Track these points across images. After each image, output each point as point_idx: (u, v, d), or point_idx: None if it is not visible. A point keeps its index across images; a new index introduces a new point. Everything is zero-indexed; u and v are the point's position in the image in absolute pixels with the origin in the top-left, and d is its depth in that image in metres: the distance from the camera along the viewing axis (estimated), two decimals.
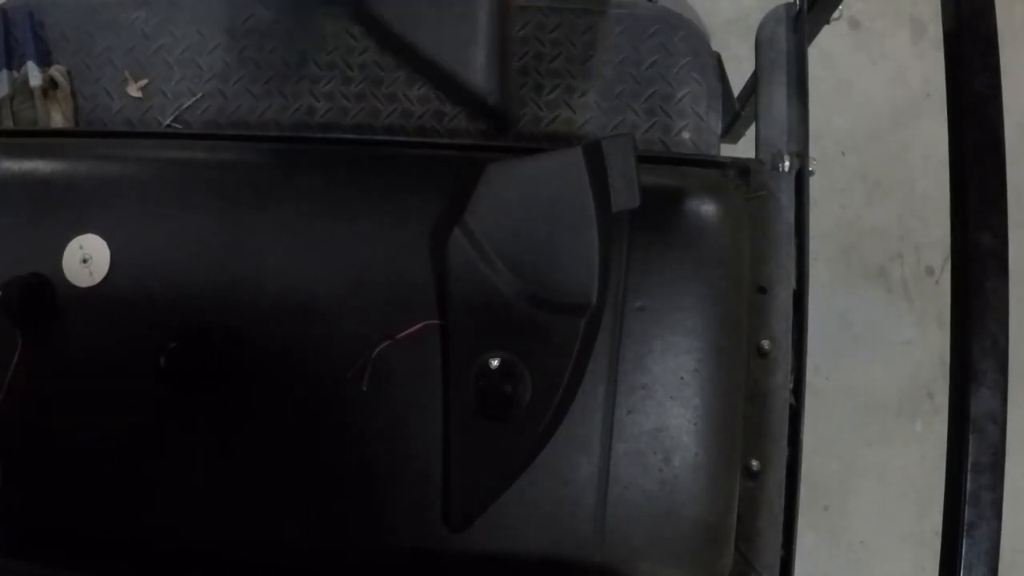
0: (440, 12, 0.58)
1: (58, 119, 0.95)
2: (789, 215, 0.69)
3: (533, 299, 0.59)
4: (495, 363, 0.59)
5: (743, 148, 1.06)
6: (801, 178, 0.70)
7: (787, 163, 0.71)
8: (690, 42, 0.89)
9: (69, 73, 0.98)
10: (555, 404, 0.60)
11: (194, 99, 0.97)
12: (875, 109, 1.56)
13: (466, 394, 0.60)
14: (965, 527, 0.53)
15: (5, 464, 0.64)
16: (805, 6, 0.79)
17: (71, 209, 0.67)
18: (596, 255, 0.58)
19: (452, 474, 0.61)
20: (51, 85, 0.95)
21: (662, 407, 0.63)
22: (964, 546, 0.53)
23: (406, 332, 0.63)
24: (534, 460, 0.61)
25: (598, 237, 0.58)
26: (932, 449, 1.45)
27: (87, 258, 0.65)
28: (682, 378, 0.63)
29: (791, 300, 0.68)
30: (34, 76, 0.94)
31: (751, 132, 0.87)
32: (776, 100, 0.77)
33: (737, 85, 0.99)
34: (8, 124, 0.94)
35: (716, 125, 0.92)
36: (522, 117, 0.93)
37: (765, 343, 0.67)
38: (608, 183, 0.59)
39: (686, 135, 0.90)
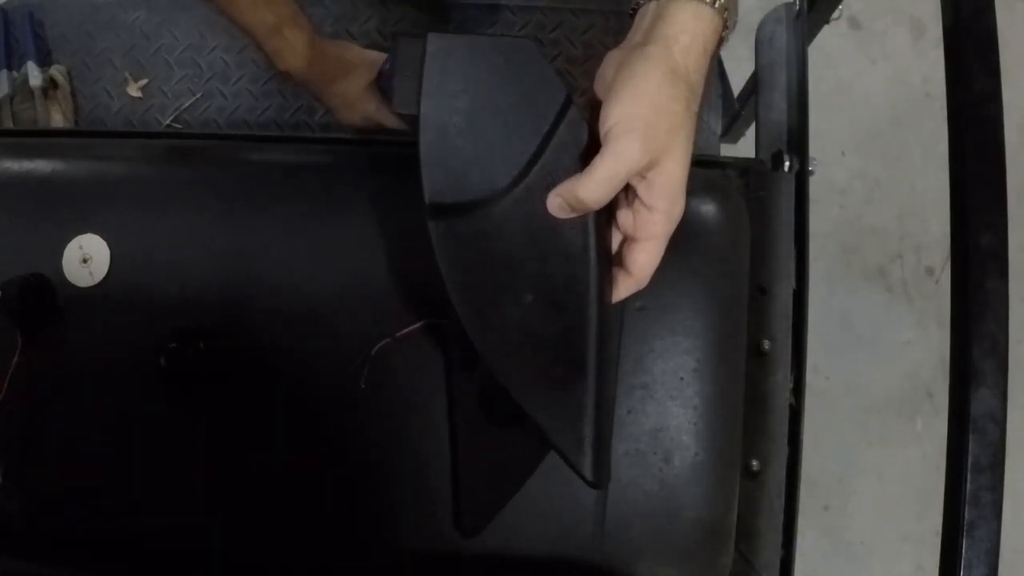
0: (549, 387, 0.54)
1: (58, 119, 0.95)
2: (789, 215, 0.69)
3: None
4: None
5: (743, 148, 1.06)
6: (801, 178, 0.71)
7: (787, 163, 0.71)
8: None
9: (69, 73, 0.98)
10: None
11: (194, 99, 0.97)
12: (875, 109, 1.56)
13: (471, 398, 0.60)
14: (965, 527, 0.53)
15: (5, 464, 0.64)
16: (805, 6, 0.79)
17: (71, 209, 0.67)
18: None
19: (462, 480, 0.61)
20: (51, 85, 0.96)
21: (662, 407, 0.63)
22: (964, 546, 0.53)
23: (406, 331, 0.63)
24: (541, 462, 0.61)
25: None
26: (932, 449, 1.45)
27: (87, 258, 0.65)
28: (682, 378, 0.63)
29: (791, 300, 0.68)
30: (34, 76, 0.94)
31: (751, 132, 0.87)
32: (776, 100, 0.77)
33: (737, 85, 0.99)
34: (8, 124, 0.94)
35: (716, 125, 0.92)
36: None
37: (765, 343, 0.67)
38: None
39: None
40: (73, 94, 0.98)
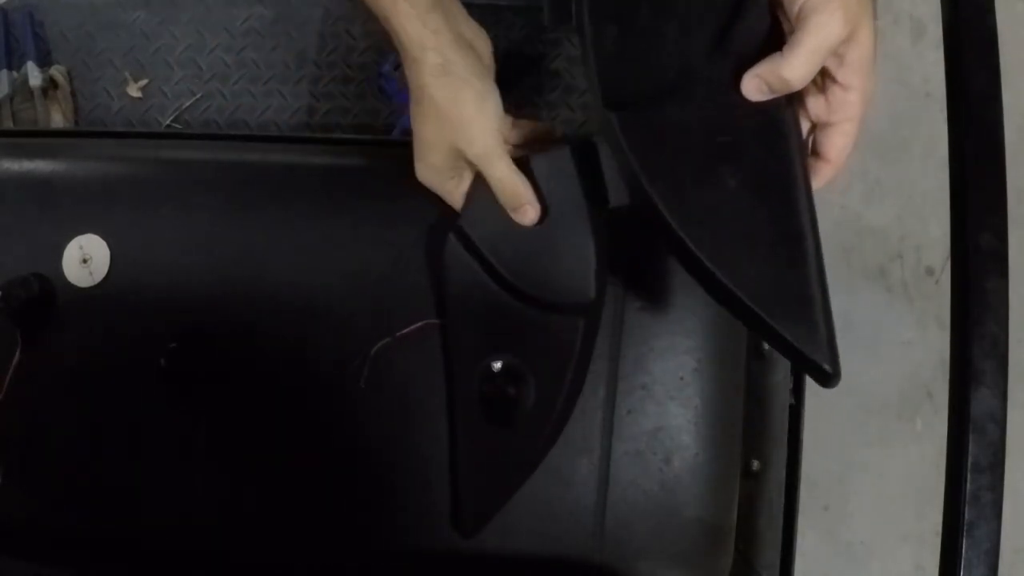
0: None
1: (58, 119, 0.95)
2: None
3: (532, 300, 0.59)
4: (497, 366, 0.59)
5: None
6: None
7: None
8: None
9: (69, 73, 0.98)
10: (560, 405, 0.60)
11: (194, 99, 0.97)
12: (875, 109, 1.55)
13: (470, 398, 0.60)
14: (965, 527, 0.53)
15: (5, 464, 0.64)
16: None
17: (71, 209, 0.67)
18: (592, 253, 0.58)
19: (461, 481, 0.61)
20: (51, 85, 0.96)
21: (662, 407, 0.63)
22: (964, 546, 0.53)
23: (406, 331, 0.63)
24: (541, 462, 0.61)
25: (592, 234, 0.57)
26: (932, 449, 1.45)
27: (87, 258, 0.65)
28: (682, 378, 0.63)
29: None
30: (34, 76, 0.95)
31: None
32: None
33: None
34: (8, 124, 0.94)
35: None
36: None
37: (765, 343, 0.67)
38: (603, 179, 0.58)
39: None
40: (73, 94, 0.98)
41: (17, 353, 0.64)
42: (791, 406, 0.66)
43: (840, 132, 0.52)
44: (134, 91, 0.98)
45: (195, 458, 0.64)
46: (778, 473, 0.65)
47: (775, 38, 0.50)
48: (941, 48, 0.63)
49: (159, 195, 0.67)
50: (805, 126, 0.54)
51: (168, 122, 0.97)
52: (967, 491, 0.54)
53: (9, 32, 0.97)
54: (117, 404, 0.64)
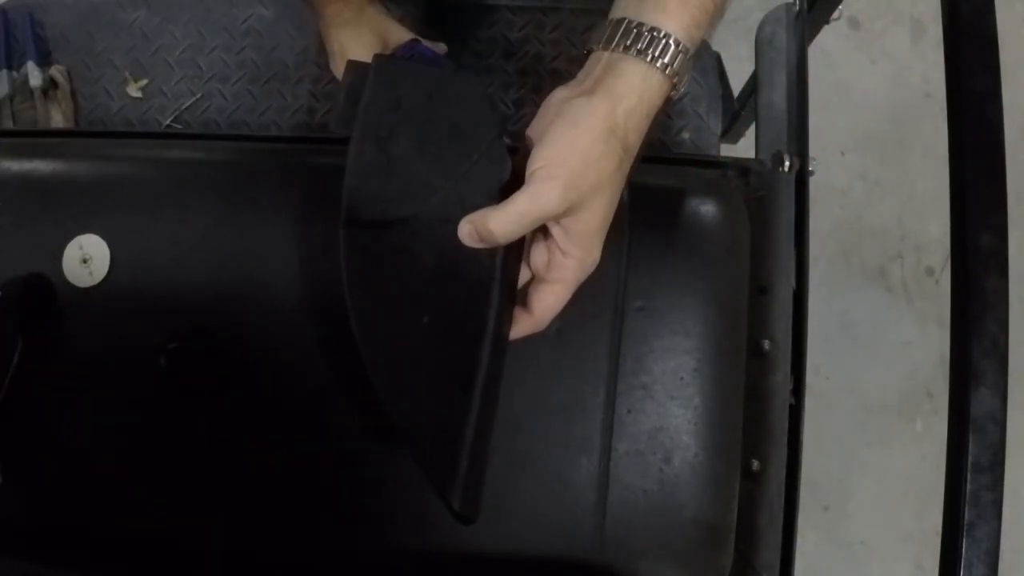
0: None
1: (58, 119, 0.95)
2: (789, 215, 0.69)
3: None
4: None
5: (743, 148, 1.06)
6: (801, 178, 0.70)
7: (787, 163, 0.71)
8: None
9: (69, 73, 0.98)
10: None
11: (194, 99, 0.97)
12: (875, 109, 1.56)
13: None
14: (965, 527, 0.53)
15: (5, 464, 0.64)
16: (805, 6, 0.79)
17: (71, 209, 0.67)
18: None
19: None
20: (51, 85, 0.96)
21: (662, 407, 0.63)
22: (964, 546, 0.53)
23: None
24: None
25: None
26: (932, 449, 1.45)
27: (87, 258, 0.65)
28: (682, 378, 0.63)
29: (791, 300, 0.68)
30: (34, 76, 0.94)
31: (751, 132, 0.87)
32: (776, 100, 0.77)
33: (737, 85, 0.99)
34: (8, 124, 0.94)
35: (716, 125, 0.92)
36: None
37: (765, 343, 0.67)
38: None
39: (686, 135, 0.90)
40: (73, 94, 0.98)
41: (17, 353, 0.64)
42: (791, 406, 0.66)
43: (551, 291, 0.54)
44: (134, 91, 0.98)
45: (195, 458, 0.64)
46: (778, 473, 0.65)
47: (512, 192, 0.52)
48: (941, 48, 0.63)
49: (159, 195, 0.67)
50: (527, 275, 0.56)
51: (168, 122, 0.97)
52: (967, 491, 0.54)
53: (9, 32, 0.97)
54: (117, 404, 0.64)
